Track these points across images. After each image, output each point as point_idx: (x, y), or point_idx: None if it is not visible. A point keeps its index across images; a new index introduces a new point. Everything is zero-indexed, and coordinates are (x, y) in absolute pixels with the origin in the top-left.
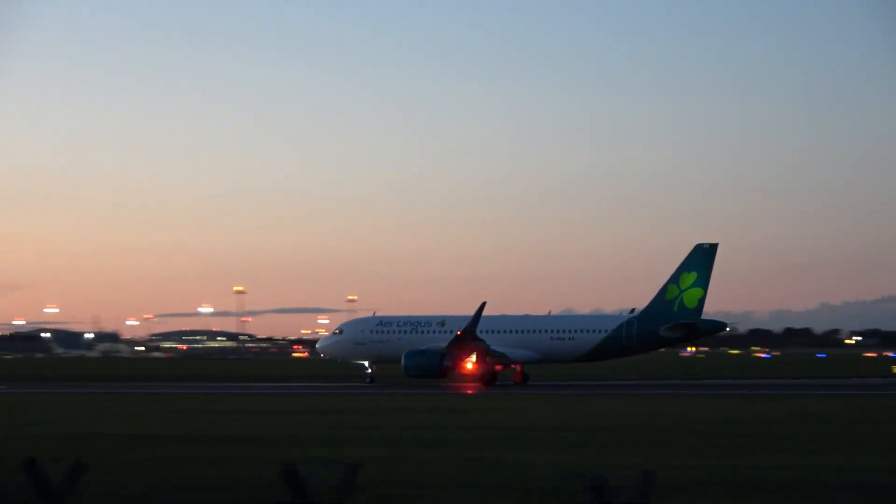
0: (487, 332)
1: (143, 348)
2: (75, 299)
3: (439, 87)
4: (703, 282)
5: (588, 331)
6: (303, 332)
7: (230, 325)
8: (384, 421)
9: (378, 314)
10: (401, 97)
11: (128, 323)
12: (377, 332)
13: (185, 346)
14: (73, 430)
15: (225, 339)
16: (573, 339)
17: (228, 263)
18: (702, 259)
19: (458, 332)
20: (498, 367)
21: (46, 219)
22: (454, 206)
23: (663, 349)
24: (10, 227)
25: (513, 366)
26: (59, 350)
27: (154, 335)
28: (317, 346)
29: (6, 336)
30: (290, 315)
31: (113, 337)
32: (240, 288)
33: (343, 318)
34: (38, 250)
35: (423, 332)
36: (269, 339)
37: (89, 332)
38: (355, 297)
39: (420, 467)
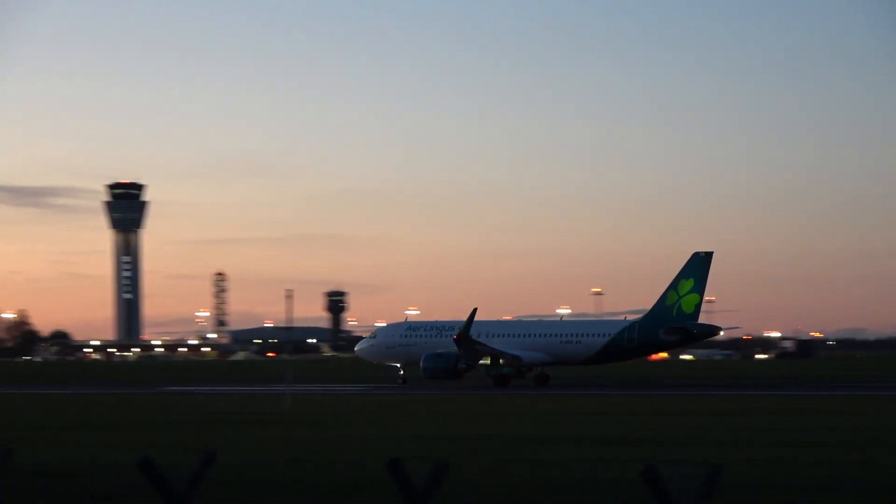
0: (503, 335)
1: None
2: (436, 300)
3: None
4: (700, 288)
5: (594, 335)
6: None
7: None
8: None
9: (409, 320)
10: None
11: None
12: (406, 336)
13: None
14: (435, 431)
15: None
16: (580, 342)
17: (586, 265)
18: (698, 266)
19: (455, 337)
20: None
21: (410, 223)
22: (814, 203)
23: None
24: (377, 231)
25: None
26: None
27: None
28: (355, 348)
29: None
30: None
31: None
32: (598, 289)
33: (699, 320)
34: (403, 253)
35: (447, 336)
36: None
37: None
38: (713, 298)
39: (790, 468)
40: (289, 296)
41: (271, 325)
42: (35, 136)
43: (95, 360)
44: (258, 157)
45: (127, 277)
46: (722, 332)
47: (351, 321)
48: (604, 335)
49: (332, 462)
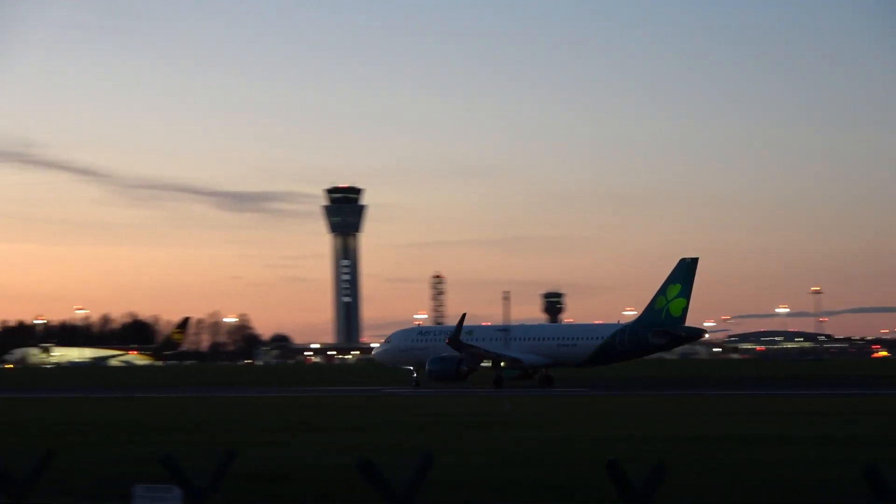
0: (505, 339)
1: (720, 349)
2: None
3: None
4: (686, 292)
5: (588, 338)
6: (882, 331)
7: (807, 326)
8: None
9: (421, 325)
10: None
11: (705, 324)
12: (418, 340)
13: (762, 347)
14: (660, 432)
15: (802, 339)
16: (576, 345)
17: (805, 264)
18: (685, 272)
19: (447, 341)
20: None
21: (626, 223)
22: None
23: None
24: (593, 232)
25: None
26: None
27: (731, 336)
28: (372, 353)
29: None
30: (868, 314)
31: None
32: (817, 288)
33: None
34: (620, 254)
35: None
36: (847, 340)
37: None
38: None
39: None
40: (506, 297)
41: (488, 325)
42: (255, 143)
43: (315, 362)
44: (474, 160)
45: (346, 281)
46: (707, 335)
47: (568, 322)
48: (598, 338)
49: (550, 462)
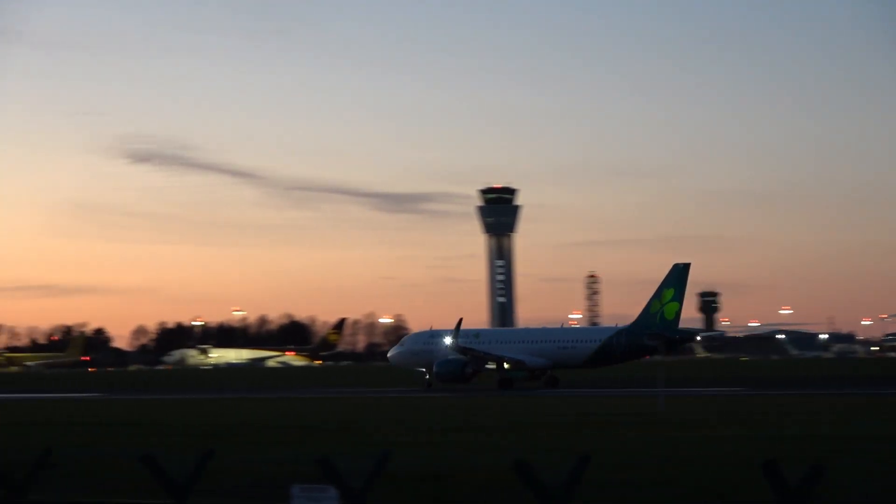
0: (508, 342)
1: (877, 348)
2: (810, 300)
3: None
4: (679, 297)
5: (587, 340)
6: None
7: None
8: None
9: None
10: None
11: (863, 323)
12: (428, 343)
13: None
14: (814, 432)
15: None
16: (575, 347)
17: None
18: (678, 277)
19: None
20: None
21: (781, 221)
22: None
23: None
24: (748, 231)
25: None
26: (794, 352)
27: (889, 335)
28: (388, 355)
29: (741, 338)
30: None
31: (848, 338)
32: None
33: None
34: (775, 252)
35: (462, 342)
36: None
37: (824, 333)
38: None
39: None
40: None
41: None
42: (410, 144)
43: None
44: (628, 160)
45: (500, 281)
46: (699, 338)
47: (724, 322)
48: (596, 341)
49: (706, 462)
